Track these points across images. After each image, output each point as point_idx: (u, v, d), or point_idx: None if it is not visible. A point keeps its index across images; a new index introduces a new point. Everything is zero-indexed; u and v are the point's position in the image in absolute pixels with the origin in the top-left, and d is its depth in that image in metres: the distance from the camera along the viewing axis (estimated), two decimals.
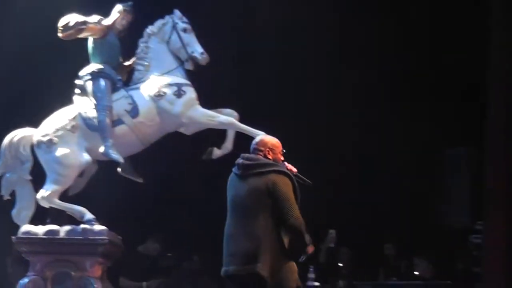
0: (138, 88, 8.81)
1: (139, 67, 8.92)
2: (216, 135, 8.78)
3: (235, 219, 6.52)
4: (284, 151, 6.85)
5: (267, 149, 6.77)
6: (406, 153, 11.50)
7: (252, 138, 6.87)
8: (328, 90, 11.61)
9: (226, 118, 8.73)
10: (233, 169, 6.64)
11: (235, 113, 8.81)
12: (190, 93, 8.74)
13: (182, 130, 8.87)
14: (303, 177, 6.91)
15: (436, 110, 11.44)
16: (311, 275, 9.40)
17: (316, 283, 9.48)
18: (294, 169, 6.86)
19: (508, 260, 10.36)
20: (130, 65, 9.06)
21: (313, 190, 6.79)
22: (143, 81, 8.85)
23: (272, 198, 6.48)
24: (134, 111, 8.71)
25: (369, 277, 11.18)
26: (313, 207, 7.44)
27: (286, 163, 6.83)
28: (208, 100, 8.78)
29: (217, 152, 8.76)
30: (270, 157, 6.74)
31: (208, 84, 9.22)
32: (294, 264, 6.48)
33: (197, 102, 8.75)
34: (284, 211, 6.43)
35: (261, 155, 6.72)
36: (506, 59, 10.60)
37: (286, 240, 6.48)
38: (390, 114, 11.44)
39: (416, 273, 11.29)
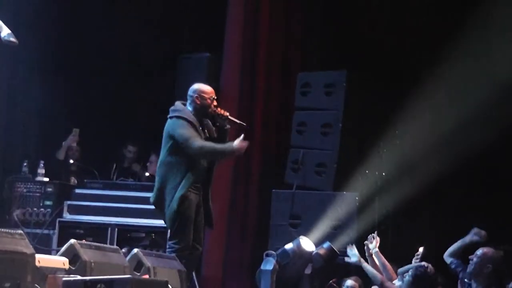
0: None
1: None
2: None
3: None
4: (215, 98, 7.65)
5: (196, 95, 7.66)
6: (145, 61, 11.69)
7: None
8: None
9: None
10: None
11: None
12: None
13: None
14: (235, 119, 7.75)
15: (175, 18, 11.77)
16: None
17: None
18: (226, 113, 7.75)
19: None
20: None
21: None
22: None
23: (172, 140, 7.52)
24: None
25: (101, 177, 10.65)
26: None
27: (218, 108, 7.68)
28: None
29: None
30: (198, 102, 7.62)
31: None
32: (183, 195, 7.44)
33: None
34: (186, 146, 7.43)
35: (189, 100, 7.65)
36: None
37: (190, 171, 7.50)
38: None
39: None
